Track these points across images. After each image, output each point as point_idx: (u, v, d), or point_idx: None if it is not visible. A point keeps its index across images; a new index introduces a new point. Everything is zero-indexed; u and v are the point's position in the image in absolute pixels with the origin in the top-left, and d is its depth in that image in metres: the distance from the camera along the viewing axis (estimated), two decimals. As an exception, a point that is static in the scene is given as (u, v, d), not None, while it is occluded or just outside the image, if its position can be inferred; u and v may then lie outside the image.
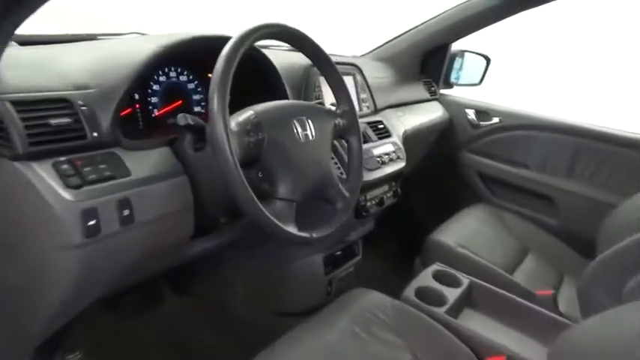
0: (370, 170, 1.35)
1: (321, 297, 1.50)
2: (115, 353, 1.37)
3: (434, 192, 2.24)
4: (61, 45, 0.99)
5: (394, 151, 1.50)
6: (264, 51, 1.17)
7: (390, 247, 2.14)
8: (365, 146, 1.35)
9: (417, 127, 1.83)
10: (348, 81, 1.51)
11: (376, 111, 1.63)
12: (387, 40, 2.10)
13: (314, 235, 0.90)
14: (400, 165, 1.50)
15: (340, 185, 1.01)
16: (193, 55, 1.12)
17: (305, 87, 1.27)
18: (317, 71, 1.28)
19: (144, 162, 0.89)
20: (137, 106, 1.05)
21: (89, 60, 0.91)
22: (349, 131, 1.07)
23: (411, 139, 1.74)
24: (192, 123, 0.83)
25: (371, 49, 2.14)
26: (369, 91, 1.61)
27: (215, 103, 0.77)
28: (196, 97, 1.18)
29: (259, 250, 1.45)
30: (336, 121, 1.03)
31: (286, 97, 1.21)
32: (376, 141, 1.46)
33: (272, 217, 0.81)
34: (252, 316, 1.57)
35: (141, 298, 1.44)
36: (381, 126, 1.56)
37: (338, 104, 1.07)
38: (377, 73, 1.85)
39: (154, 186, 0.88)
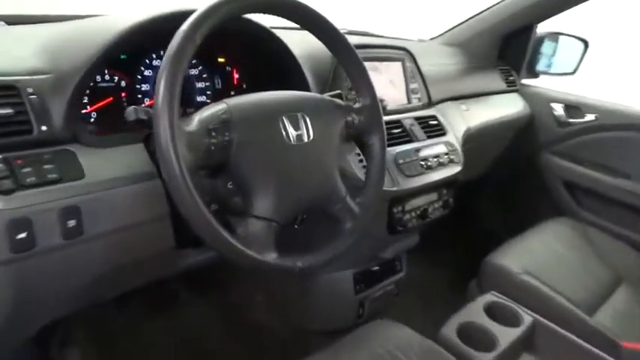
0: (410, 176, 1.11)
1: (350, 318, 1.30)
2: (118, 353, 1.28)
3: (504, 202, 1.92)
4: (39, 25, 0.87)
5: (447, 154, 1.24)
6: (279, 32, 0.97)
7: (443, 264, 1.86)
8: (406, 147, 1.12)
9: (485, 124, 1.54)
10: (394, 68, 1.27)
11: (430, 104, 1.37)
12: (459, 22, 1.82)
13: (299, 264, 0.70)
14: (453, 170, 1.24)
15: (348, 199, 0.79)
16: None
17: (333, 77, 1.06)
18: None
19: (108, 162, 0.75)
20: (123, 94, 0.91)
21: (54, 41, 0.78)
22: (368, 131, 0.85)
23: (476, 139, 1.47)
24: (144, 117, 0.67)
25: (441, 33, 1.86)
26: (422, 80, 1.35)
27: (160, 92, 0.59)
28: (200, 84, 1.02)
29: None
30: (349, 118, 0.82)
31: (306, 89, 1.01)
32: (423, 140, 1.21)
33: (233, 240, 0.63)
34: (269, 328, 1.41)
35: (153, 299, 1.33)
36: (434, 122, 1.31)
37: (357, 96, 0.86)
38: (440, 60, 1.58)
39: (116, 191, 0.74)
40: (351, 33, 1.48)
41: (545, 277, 1.25)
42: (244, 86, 1.09)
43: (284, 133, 0.71)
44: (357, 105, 0.85)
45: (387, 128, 1.15)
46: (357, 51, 1.16)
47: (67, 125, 0.72)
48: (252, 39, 0.98)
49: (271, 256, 0.68)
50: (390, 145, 1.12)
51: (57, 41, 0.78)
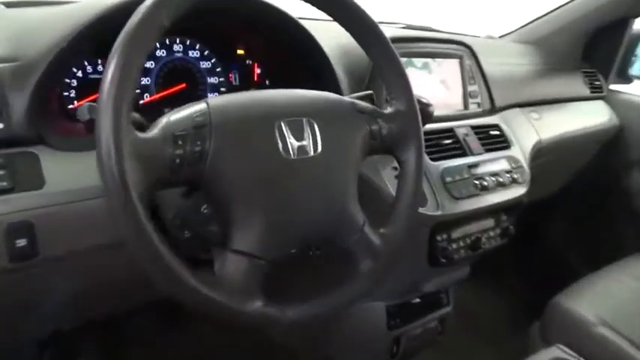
0: (460, 198, 0.91)
1: (381, 356, 1.11)
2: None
3: (579, 228, 1.63)
4: (30, 9, 0.77)
5: (509, 171, 1.02)
6: (309, 23, 0.81)
7: (500, 298, 1.60)
8: (457, 162, 0.92)
9: (561, 136, 1.30)
10: (450, 66, 1.07)
11: (493, 110, 1.15)
12: (536, 17, 1.57)
13: (290, 314, 0.54)
14: (517, 192, 1.02)
15: (367, 229, 0.62)
16: (209, 22, 0.83)
17: (370, 75, 0.89)
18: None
19: (79, 169, 0.62)
20: (119, 88, 0.79)
21: (24, 24, 0.67)
22: (401, 143, 0.66)
23: (548, 153, 1.24)
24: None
25: (514, 29, 1.63)
26: (484, 81, 1.13)
27: (106, 84, 0.45)
28: (212, 79, 0.88)
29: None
30: (375, 127, 0.64)
31: (336, 88, 0.84)
32: (480, 154, 1.00)
33: (195, 282, 0.47)
34: (291, 351, 1.25)
35: (164, 311, 1.22)
36: (496, 132, 1.09)
37: (390, 99, 0.68)
38: (508, 58, 1.35)
39: (83, 205, 0.61)
40: (409, 27, 1.29)
41: (627, 330, 1.00)
42: (267, 83, 0.94)
43: (280, 143, 0.54)
44: (388, 110, 0.66)
45: (435, 138, 0.96)
46: (403, 45, 0.99)
47: (30, 123, 0.61)
48: (277, 30, 0.83)
49: (253, 305, 0.52)
50: (436, 159, 0.93)
51: (27, 24, 0.67)
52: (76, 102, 0.76)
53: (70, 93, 0.75)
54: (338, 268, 0.63)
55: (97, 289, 0.70)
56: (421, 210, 0.86)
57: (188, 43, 0.85)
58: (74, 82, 0.75)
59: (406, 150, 0.66)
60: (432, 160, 0.93)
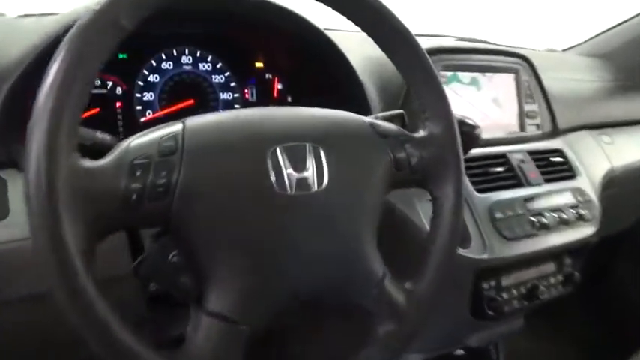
0: (513, 239, 0.76)
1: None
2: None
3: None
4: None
5: (574, 206, 0.86)
6: (334, 34, 0.71)
7: (565, 349, 1.38)
8: (510, 194, 0.78)
9: (638, 164, 1.10)
10: (503, 81, 0.92)
11: (555, 133, 0.99)
12: (605, 29, 1.40)
13: None
14: (584, 231, 0.85)
15: (389, 284, 0.48)
16: (222, 31, 0.74)
17: (406, 93, 0.76)
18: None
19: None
20: (118, 104, 0.71)
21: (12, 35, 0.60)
22: (434, 175, 0.53)
23: (622, 183, 1.06)
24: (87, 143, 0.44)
25: (580, 42, 1.45)
26: (545, 99, 0.98)
27: (42, 96, 0.35)
28: (226, 95, 0.79)
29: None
30: (401, 155, 0.51)
31: (365, 107, 0.73)
32: (538, 185, 0.85)
33: (151, 352, 0.36)
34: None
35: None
36: (559, 159, 0.93)
37: (423, 119, 0.54)
38: (573, 74, 1.18)
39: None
40: (461, 39, 1.16)
41: None
42: (289, 99, 0.84)
43: (273, 175, 0.43)
44: (419, 134, 0.53)
45: (484, 165, 0.82)
46: (447, 57, 0.85)
47: None
48: (300, 40, 0.73)
49: None
50: (484, 190, 0.78)
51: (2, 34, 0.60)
52: (68, 119, 0.68)
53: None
54: (350, 332, 0.50)
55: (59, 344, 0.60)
56: (463, 252, 0.72)
57: (198, 54, 0.76)
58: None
59: (441, 184, 0.53)
60: (479, 191, 0.78)
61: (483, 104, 0.89)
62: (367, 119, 0.52)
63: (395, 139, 0.51)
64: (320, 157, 0.45)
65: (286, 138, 0.45)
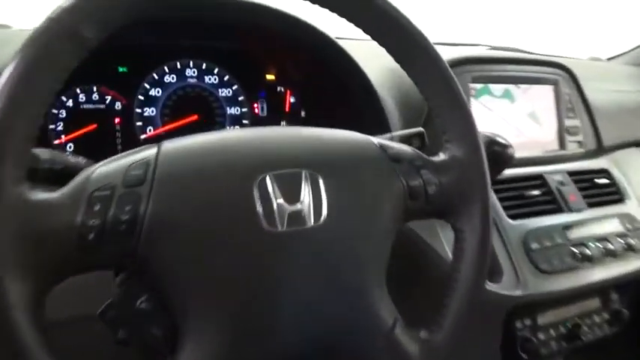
0: (551, 273, 0.67)
1: None
2: None
3: None
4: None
5: (623, 234, 0.76)
6: (348, 44, 0.65)
7: None
8: (548, 221, 0.69)
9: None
10: (541, 94, 0.83)
11: (600, 151, 0.89)
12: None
13: None
14: (634, 264, 0.75)
15: (401, 333, 0.41)
16: (229, 41, 0.69)
17: (429, 112, 0.69)
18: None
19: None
20: (117, 120, 0.66)
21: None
22: (456, 206, 0.45)
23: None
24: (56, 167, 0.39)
25: (628, 49, 1.35)
26: (588, 113, 0.88)
27: None
28: (233, 110, 0.73)
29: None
30: (416, 182, 0.44)
31: (383, 125, 0.66)
32: (580, 210, 0.75)
33: None
34: None
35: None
36: (604, 180, 0.83)
37: (444, 141, 0.47)
38: (620, 85, 1.08)
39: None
40: (493, 48, 1.07)
41: None
42: (302, 114, 0.78)
43: (261, 207, 0.36)
44: (438, 157, 0.46)
45: (517, 187, 0.73)
46: (478, 68, 0.77)
47: None
48: (313, 51, 0.67)
49: None
50: (517, 216, 0.70)
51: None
52: (63, 137, 0.64)
53: (57, 126, 0.63)
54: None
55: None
56: (493, 287, 0.63)
57: (204, 66, 0.71)
58: (62, 113, 0.64)
59: (464, 215, 0.45)
60: (512, 217, 0.70)
61: (518, 119, 0.80)
62: (377, 140, 0.45)
63: (409, 163, 0.44)
64: (318, 185, 0.39)
65: (278, 163, 0.38)
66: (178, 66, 0.69)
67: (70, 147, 0.64)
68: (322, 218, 0.38)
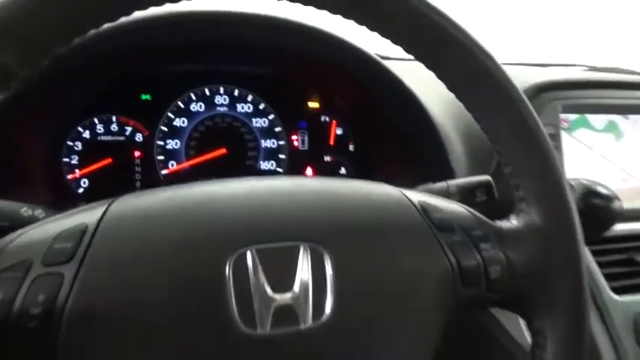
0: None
1: None
2: None
3: None
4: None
5: None
6: (403, 66, 0.53)
7: None
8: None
9: None
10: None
11: None
12: None
13: None
14: None
15: None
16: (265, 64, 0.60)
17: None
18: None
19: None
20: (137, 154, 0.59)
21: None
22: (533, 296, 0.31)
23: None
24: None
25: None
26: None
27: None
28: (268, 143, 0.64)
29: None
30: (470, 262, 0.30)
31: (445, 168, 0.53)
32: None
33: None
34: None
35: None
36: None
37: (517, 199, 0.33)
38: None
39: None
40: (593, 69, 0.90)
41: None
42: (351, 148, 0.66)
43: (234, 298, 0.25)
44: (509, 224, 0.33)
45: (627, 249, 0.57)
46: (570, 94, 0.61)
47: None
48: (362, 77, 0.57)
49: None
50: (624, 290, 0.53)
51: None
52: (77, 171, 0.58)
53: (71, 159, 0.57)
54: None
55: None
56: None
57: (236, 93, 0.62)
58: (78, 145, 0.58)
59: (544, 312, 0.31)
60: (617, 290, 0.53)
61: (626, 160, 0.63)
62: (418, 197, 0.32)
63: (464, 234, 0.31)
64: (322, 266, 0.27)
65: (265, 233, 0.27)
66: (207, 93, 0.61)
67: (84, 183, 0.58)
68: (325, 316, 0.26)
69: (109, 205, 0.28)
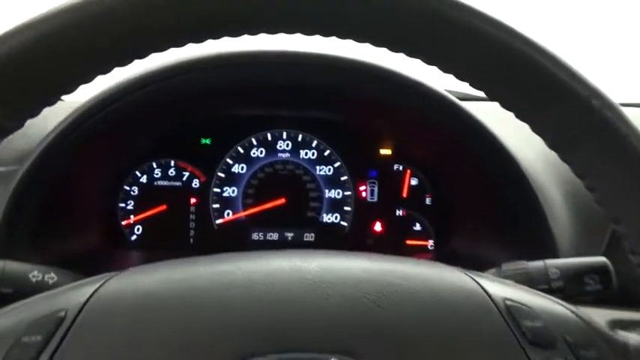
0: None
1: None
2: None
3: None
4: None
5: None
6: (496, 114, 0.45)
7: None
8: None
9: None
10: None
11: None
12: None
13: None
14: None
15: None
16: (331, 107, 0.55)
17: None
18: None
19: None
20: (192, 200, 0.55)
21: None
22: None
23: None
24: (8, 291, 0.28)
25: None
26: None
27: None
28: (333, 193, 0.57)
29: None
30: None
31: (546, 242, 0.43)
32: None
33: None
34: None
35: None
36: None
37: None
38: None
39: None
40: None
41: None
42: (427, 202, 0.58)
43: None
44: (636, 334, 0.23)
45: None
46: None
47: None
48: (443, 125, 0.49)
49: None
50: None
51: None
52: (132, 217, 0.55)
53: (127, 204, 0.55)
54: None
55: None
56: None
57: (300, 138, 0.57)
58: (135, 190, 0.55)
59: None
60: None
61: None
62: (501, 290, 0.24)
63: (569, 351, 0.22)
64: None
65: (289, 339, 0.20)
66: (269, 137, 0.57)
67: (137, 229, 0.55)
68: None
69: (101, 286, 0.22)
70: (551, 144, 0.24)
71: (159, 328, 0.21)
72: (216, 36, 0.21)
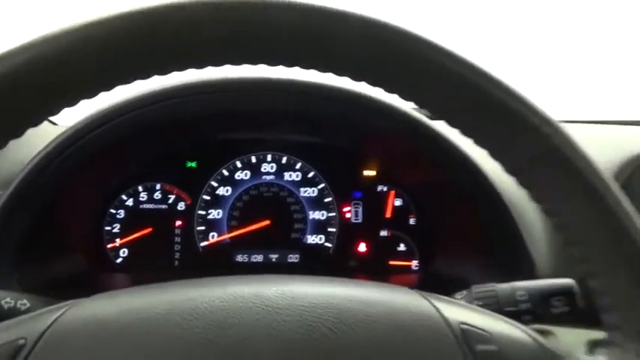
0: None
1: None
2: None
3: None
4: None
5: None
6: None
7: None
8: None
9: None
10: None
11: None
12: None
13: None
14: None
15: None
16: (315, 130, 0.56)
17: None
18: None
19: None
20: (178, 223, 0.56)
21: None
22: None
23: None
24: None
25: None
26: None
27: None
28: (317, 214, 0.57)
29: None
30: None
31: (524, 262, 0.44)
32: None
33: None
34: None
35: None
36: None
37: (608, 325, 0.23)
38: None
39: None
40: None
41: None
42: (411, 222, 0.58)
43: None
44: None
45: None
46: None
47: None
48: (426, 150, 0.50)
49: None
50: None
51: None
52: (118, 240, 0.56)
53: (112, 227, 0.56)
54: None
55: None
56: None
57: (284, 160, 0.58)
58: (121, 214, 0.56)
59: None
60: None
61: None
62: (458, 314, 0.24)
63: None
64: None
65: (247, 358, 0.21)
66: (253, 160, 0.58)
67: (123, 252, 0.55)
68: None
69: (62, 314, 0.23)
70: (509, 170, 0.24)
71: (117, 357, 0.21)
72: (199, 66, 0.22)
